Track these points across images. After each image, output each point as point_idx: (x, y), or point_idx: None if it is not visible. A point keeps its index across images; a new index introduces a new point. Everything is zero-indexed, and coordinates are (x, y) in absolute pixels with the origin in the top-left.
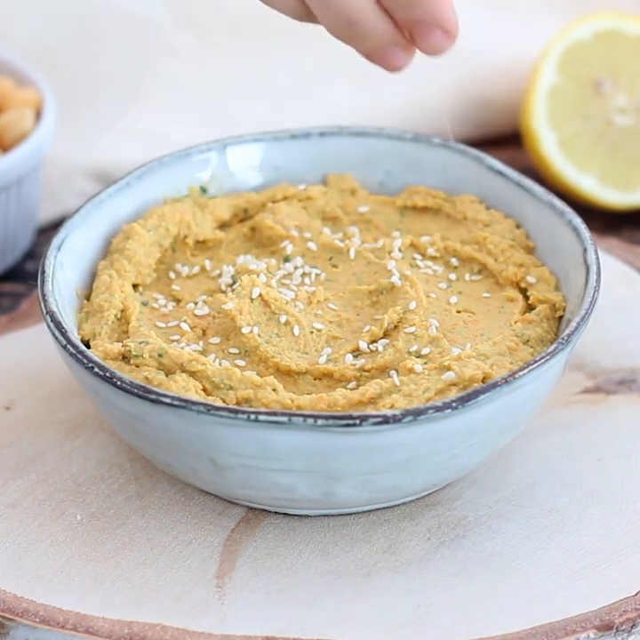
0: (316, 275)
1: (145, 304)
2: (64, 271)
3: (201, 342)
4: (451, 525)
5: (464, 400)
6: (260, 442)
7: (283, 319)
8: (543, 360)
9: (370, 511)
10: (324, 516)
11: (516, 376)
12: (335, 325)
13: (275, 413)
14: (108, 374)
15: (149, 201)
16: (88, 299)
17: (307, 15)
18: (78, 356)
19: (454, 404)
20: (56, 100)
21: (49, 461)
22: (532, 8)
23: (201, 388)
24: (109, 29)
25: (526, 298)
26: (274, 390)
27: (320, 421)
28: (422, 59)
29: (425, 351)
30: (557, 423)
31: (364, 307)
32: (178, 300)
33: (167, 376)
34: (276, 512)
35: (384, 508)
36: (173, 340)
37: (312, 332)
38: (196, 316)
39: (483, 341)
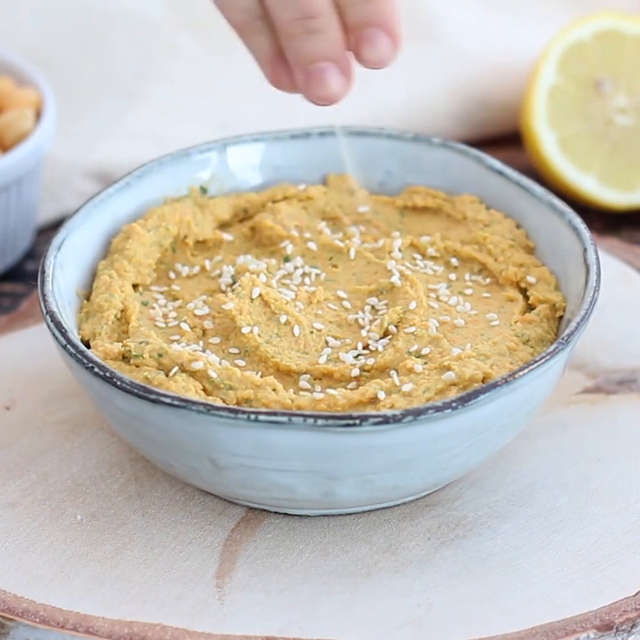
0: (316, 275)
1: (145, 304)
2: (64, 271)
3: (201, 342)
4: (451, 525)
5: (464, 400)
6: (259, 442)
7: (283, 319)
8: (543, 360)
9: (370, 511)
10: (324, 515)
11: (516, 376)
12: (335, 325)
13: (275, 413)
14: (108, 374)
15: (149, 201)
16: (88, 299)
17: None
18: (78, 355)
19: (454, 404)
20: (56, 100)
21: (49, 461)
22: (532, 8)
23: (201, 388)
24: (109, 29)
25: (526, 298)
26: (274, 390)
27: (320, 421)
28: (422, 58)
29: (425, 351)
30: (557, 423)
31: (364, 307)
32: (178, 300)
33: (167, 376)
34: (276, 512)
35: (384, 507)
36: (173, 340)
37: (312, 332)
38: (196, 316)
39: (483, 341)
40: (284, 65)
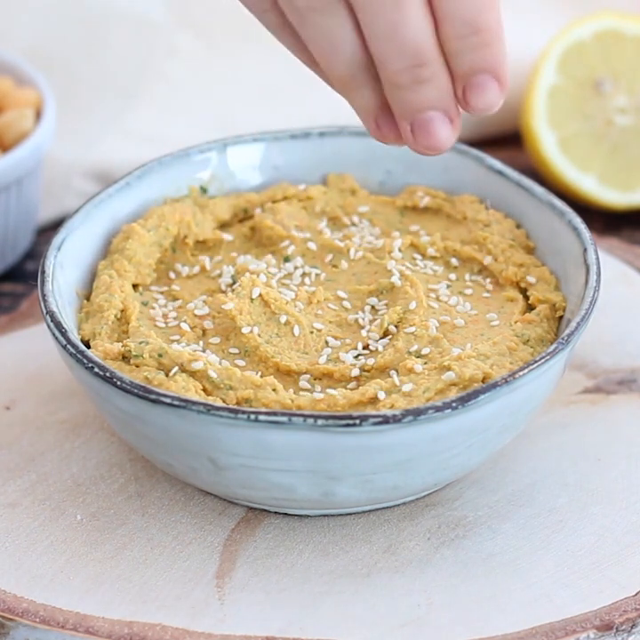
0: (316, 275)
1: (145, 304)
2: (64, 271)
3: (201, 342)
4: (451, 525)
5: (464, 400)
6: (259, 442)
7: (283, 319)
8: (543, 360)
9: (370, 511)
10: (324, 515)
11: (516, 376)
12: (335, 325)
13: (275, 413)
14: (108, 374)
15: (149, 201)
16: (88, 299)
17: (283, 28)
18: (78, 356)
19: (454, 404)
20: (56, 100)
21: (49, 461)
22: (532, 8)
23: (201, 388)
24: (109, 29)
25: (526, 298)
26: (274, 390)
27: (320, 421)
28: None
29: (425, 351)
30: (557, 423)
31: (364, 307)
32: (178, 300)
33: (167, 376)
34: (276, 512)
35: (384, 507)
36: (173, 340)
37: (312, 332)
38: (196, 316)
39: (483, 341)
40: (388, 116)
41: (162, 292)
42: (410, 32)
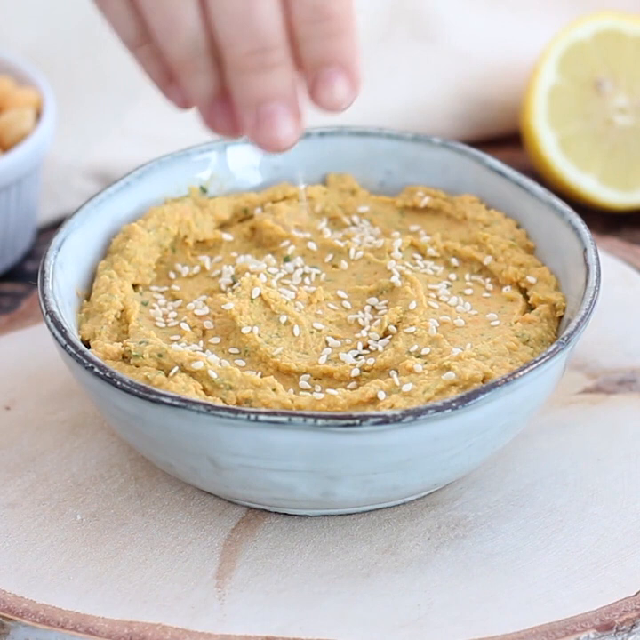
0: (316, 275)
1: (145, 304)
2: (64, 271)
3: (201, 342)
4: (451, 525)
5: (464, 400)
6: (259, 442)
7: (283, 319)
8: (543, 360)
9: (370, 511)
10: (324, 516)
11: (516, 376)
12: (335, 325)
13: (275, 413)
14: (108, 374)
15: (149, 201)
16: (88, 299)
17: (140, 39)
18: (78, 356)
19: (454, 404)
20: (56, 100)
21: (49, 461)
22: (531, 8)
23: (201, 388)
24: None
25: (526, 298)
26: (274, 390)
27: (320, 421)
28: (423, 58)
29: (425, 351)
30: (557, 423)
31: (364, 307)
32: (178, 300)
33: (167, 376)
34: (276, 512)
35: (384, 507)
36: (173, 340)
37: (312, 332)
38: (196, 315)
39: (483, 341)
40: (224, 105)
41: (162, 292)
42: (260, 14)
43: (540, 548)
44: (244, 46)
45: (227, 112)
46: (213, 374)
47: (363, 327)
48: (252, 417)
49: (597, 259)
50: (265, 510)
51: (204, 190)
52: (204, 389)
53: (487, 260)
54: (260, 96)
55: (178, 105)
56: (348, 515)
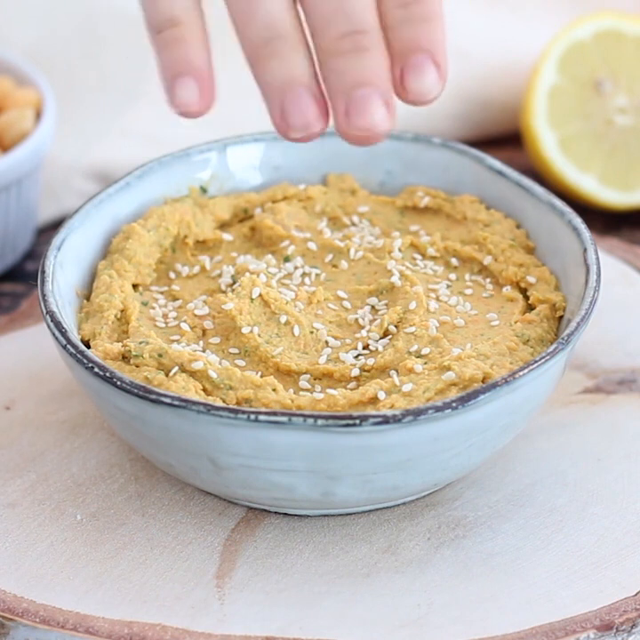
0: (316, 275)
1: (145, 304)
2: (64, 271)
3: (201, 342)
4: (451, 525)
5: (464, 400)
6: (259, 442)
7: (283, 319)
8: (543, 360)
9: (370, 511)
10: (324, 516)
11: (516, 376)
12: (335, 325)
13: (275, 413)
14: (108, 374)
15: (149, 201)
16: (88, 299)
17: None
18: (78, 356)
19: (454, 404)
20: (56, 100)
21: (49, 461)
22: (531, 8)
23: (201, 388)
24: (109, 29)
25: (526, 298)
26: (274, 390)
27: (320, 421)
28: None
29: (425, 351)
30: (557, 423)
31: (364, 307)
32: (178, 300)
33: (167, 376)
34: (276, 512)
35: (384, 507)
36: (173, 340)
37: (312, 332)
38: (196, 315)
39: (483, 341)
40: (299, 98)
41: (162, 292)
42: None
43: (540, 547)
44: (337, 29)
45: (303, 104)
46: (213, 374)
47: (363, 327)
48: (252, 417)
49: (597, 259)
50: (265, 510)
51: (203, 190)
52: (204, 389)
53: (487, 260)
54: (353, 81)
55: (178, 105)
56: (348, 515)
